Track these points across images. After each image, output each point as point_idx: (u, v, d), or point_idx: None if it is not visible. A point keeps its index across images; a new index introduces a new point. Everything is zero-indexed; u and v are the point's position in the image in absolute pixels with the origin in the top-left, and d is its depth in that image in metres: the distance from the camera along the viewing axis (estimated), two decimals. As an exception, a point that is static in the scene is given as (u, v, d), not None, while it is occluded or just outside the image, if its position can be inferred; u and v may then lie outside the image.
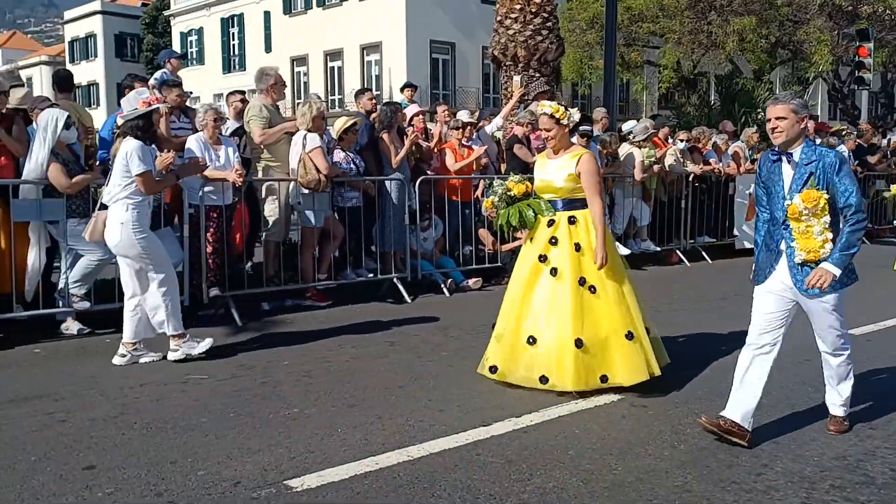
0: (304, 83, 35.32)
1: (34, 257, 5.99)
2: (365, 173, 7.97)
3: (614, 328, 4.63)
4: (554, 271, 4.70)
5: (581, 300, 4.62)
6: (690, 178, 10.39)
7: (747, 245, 11.04)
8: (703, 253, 10.70)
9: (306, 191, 7.21)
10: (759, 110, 13.81)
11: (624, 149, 9.92)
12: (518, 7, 9.84)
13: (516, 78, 9.97)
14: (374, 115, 8.54)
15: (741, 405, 3.86)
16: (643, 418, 4.28)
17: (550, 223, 4.82)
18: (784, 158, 3.73)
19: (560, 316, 4.61)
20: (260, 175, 7.43)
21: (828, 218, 3.66)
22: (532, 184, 5.07)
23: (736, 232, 10.98)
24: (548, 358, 4.62)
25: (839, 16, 24.64)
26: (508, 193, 5.15)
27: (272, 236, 7.45)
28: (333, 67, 34.02)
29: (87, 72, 50.09)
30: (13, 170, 6.10)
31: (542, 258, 4.75)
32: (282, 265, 7.43)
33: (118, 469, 3.56)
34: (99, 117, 46.13)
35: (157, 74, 7.92)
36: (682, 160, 10.40)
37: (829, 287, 3.69)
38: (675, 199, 10.37)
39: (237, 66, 40.86)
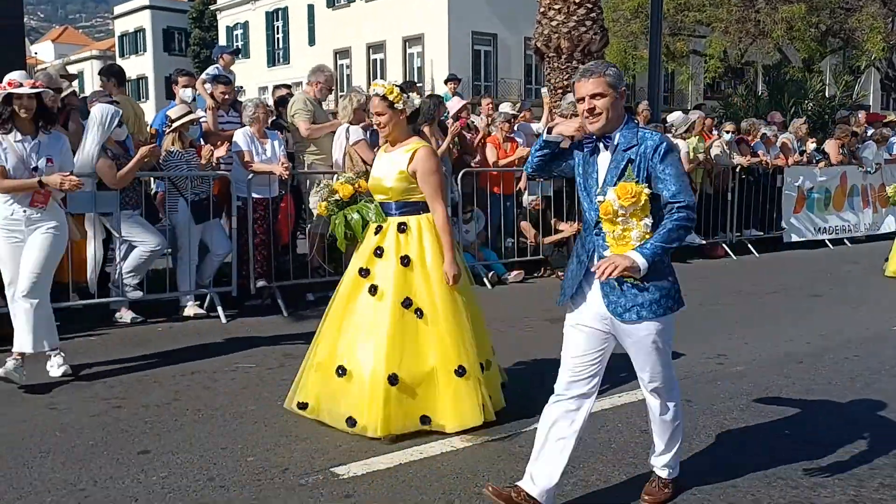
0: (347, 76, 35.57)
1: (93, 249, 6.19)
2: (408, 166, 8.02)
3: (442, 361, 3.83)
4: (373, 289, 3.90)
5: (403, 326, 3.83)
6: (737, 170, 10.22)
7: (795, 238, 10.88)
8: (750, 246, 10.53)
9: (351, 184, 7.29)
10: (809, 101, 13.53)
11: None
12: (561, -2, 9.79)
13: (544, 90, 9.87)
14: (417, 107, 8.58)
15: (542, 476, 3.01)
16: (687, 413, 4.23)
17: (378, 230, 4.02)
18: (602, 145, 2.91)
19: (376, 344, 3.83)
20: (305, 168, 7.53)
21: (650, 220, 2.84)
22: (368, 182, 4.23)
23: (784, 225, 10.79)
24: (359, 395, 3.83)
25: (893, 2, 23.92)
26: (335, 196, 4.31)
27: (316, 228, 7.55)
28: (376, 60, 34.19)
29: (136, 66, 51.14)
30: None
31: (364, 272, 3.96)
32: (326, 256, 7.54)
33: (171, 454, 3.68)
34: (148, 110, 47.19)
35: (210, 69, 8.09)
36: (728, 152, 10.23)
37: (649, 311, 2.90)
38: (721, 191, 10.21)
39: (281, 60, 41.34)
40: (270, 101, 8.43)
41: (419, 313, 3.86)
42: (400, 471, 3.48)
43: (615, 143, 2.88)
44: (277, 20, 41.53)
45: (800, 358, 5.35)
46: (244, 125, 7.03)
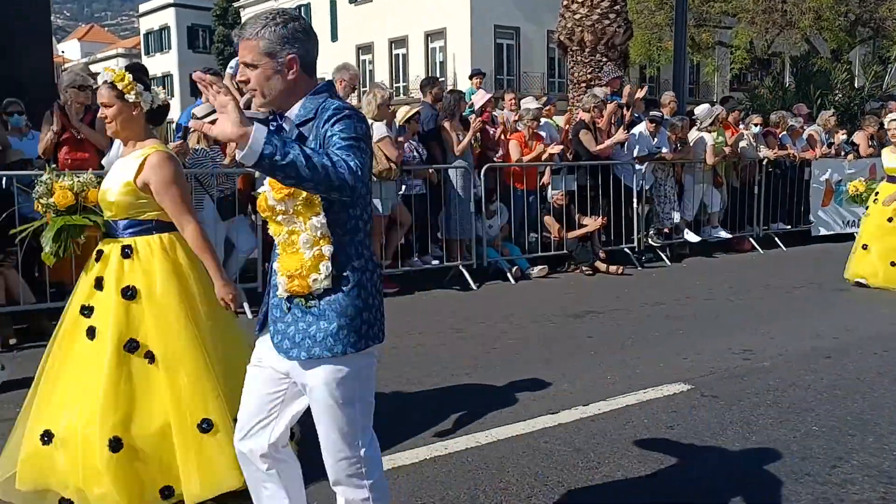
0: (370, 71, 35.65)
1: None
2: (429, 161, 8.04)
3: (180, 416, 3.00)
4: (91, 332, 3.05)
5: (127, 375, 3.01)
6: (764, 164, 10.10)
7: (823, 232, 10.73)
8: (777, 240, 10.41)
9: (374, 179, 7.32)
10: (837, 92, 13.31)
11: (693, 134, 9.72)
12: (585, -10, 9.73)
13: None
14: (440, 104, 8.58)
15: None
16: (714, 409, 4.22)
17: (99, 255, 3.18)
18: (278, 124, 2.22)
19: (90, 401, 2.98)
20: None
21: (322, 218, 2.11)
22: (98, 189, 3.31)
23: (811, 218, 10.64)
24: (71, 467, 2.96)
25: (925, -10, 23.46)
26: (49, 200, 3.37)
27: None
28: (398, 55, 34.25)
29: (161, 63, 51.65)
30: (97, 163, 6.37)
31: (85, 311, 3.10)
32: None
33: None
34: (174, 108, 47.50)
35: (232, 63, 8.07)
36: (755, 144, 10.12)
37: (322, 347, 2.11)
38: (747, 184, 10.10)
39: (304, 56, 41.41)
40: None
41: (149, 357, 3.02)
42: (425, 466, 3.50)
43: (293, 119, 2.19)
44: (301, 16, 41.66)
45: (827, 353, 5.28)
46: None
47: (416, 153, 7.96)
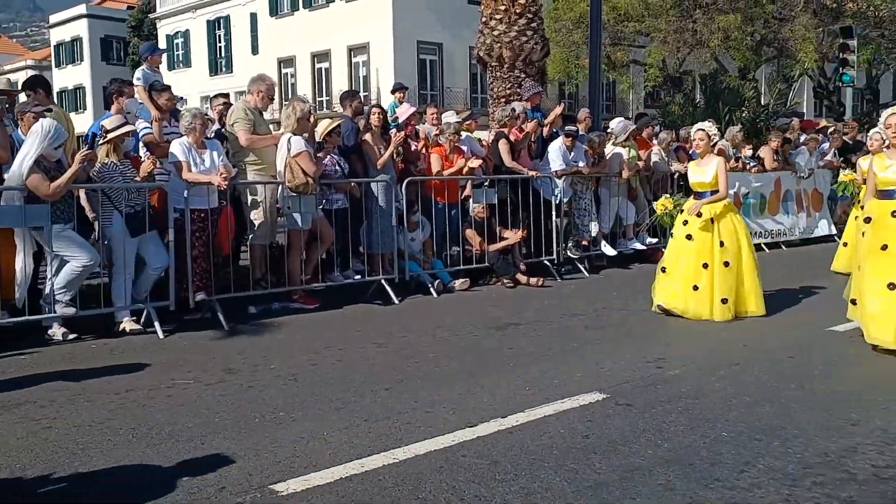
0: (292, 84, 35.28)
1: (22, 264, 5.97)
2: (350, 175, 7.98)
3: None
4: None
5: None
6: (675, 177, 10.44)
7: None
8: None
9: (293, 193, 7.21)
10: (744, 109, 13.92)
11: (609, 148, 9.97)
12: (503, 8, 9.89)
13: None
14: (359, 117, 8.54)
15: None
16: (628, 417, 4.30)
17: None
18: None
19: None
20: (247, 178, 7.41)
21: None
22: None
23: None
24: None
25: (824, 13, 24.80)
26: None
27: (258, 239, 7.44)
28: (321, 69, 34.02)
29: (73, 76, 49.86)
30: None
31: None
32: (268, 268, 7.43)
33: (105, 475, 3.55)
34: (86, 121, 45.94)
35: (138, 73, 7.83)
36: (667, 159, 10.45)
37: None
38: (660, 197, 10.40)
39: (224, 69, 40.77)
40: (211, 113, 8.26)
41: None
42: (340, 485, 3.43)
43: None
44: (219, 29, 40.97)
45: (736, 361, 5.46)
46: (182, 135, 6.90)
47: (337, 167, 7.90)
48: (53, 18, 53.55)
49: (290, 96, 35.16)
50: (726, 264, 6.75)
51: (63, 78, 50.68)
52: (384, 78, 31.05)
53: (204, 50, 41.58)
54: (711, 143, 7.11)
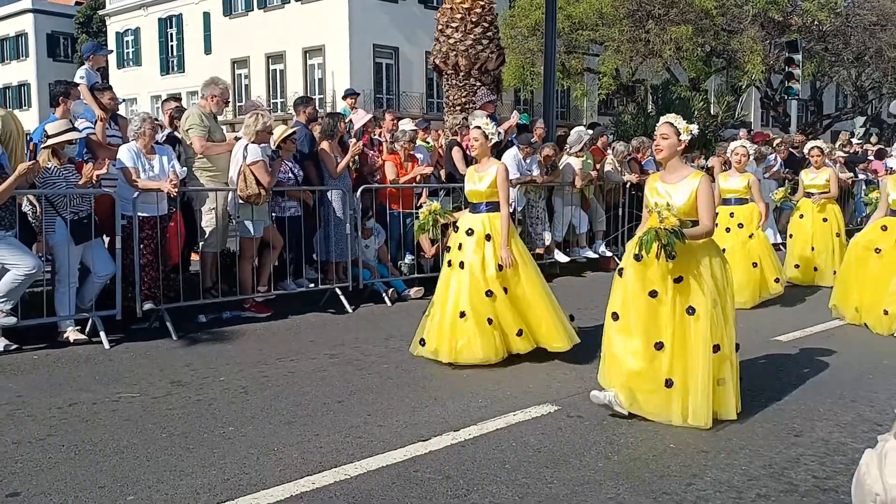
0: (245, 86, 34.84)
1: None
2: (305, 183, 7.91)
3: None
4: None
5: None
6: (628, 187, 10.59)
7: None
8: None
9: (242, 201, 7.10)
10: (694, 120, 14.18)
11: (563, 158, 10.07)
12: (459, 17, 9.91)
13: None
14: (313, 124, 8.47)
15: None
16: (579, 429, 4.34)
17: None
18: None
19: None
20: (199, 183, 7.28)
21: None
22: None
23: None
24: None
25: (771, 26, 25.47)
26: None
27: (209, 247, 7.32)
28: (275, 70, 33.66)
29: (17, 72, 48.41)
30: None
31: None
32: (219, 276, 7.30)
33: (44, 495, 3.45)
34: (31, 119, 44.66)
35: (80, 72, 7.61)
36: (619, 169, 10.60)
37: None
38: (612, 206, 10.56)
39: (175, 68, 40.04)
40: (162, 116, 8.09)
41: None
42: (289, 503, 3.39)
43: None
44: (171, 27, 40.23)
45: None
46: (128, 140, 6.75)
47: (291, 174, 7.81)
48: (-3, 13, 51.89)
49: (244, 98, 34.76)
50: (505, 290, 5.61)
51: (7, 74, 49.15)
52: (340, 81, 30.86)
53: (155, 48, 40.76)
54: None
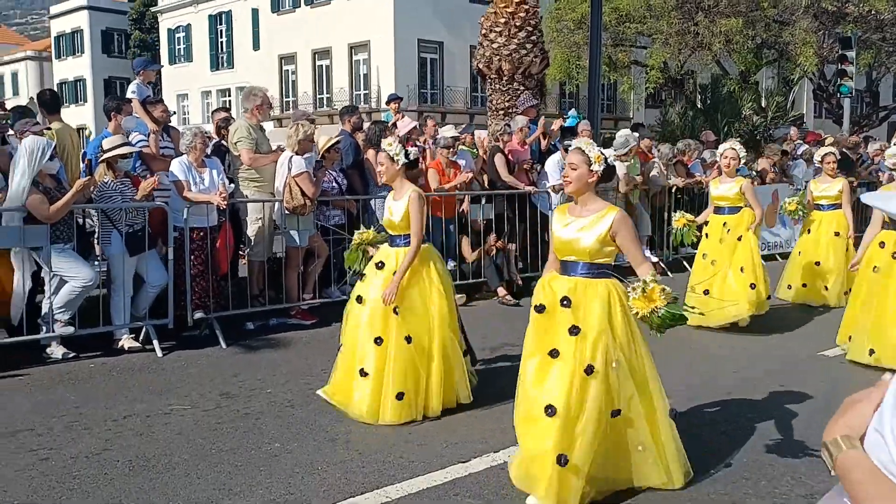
0: (293, 81, 35.27)
1: (18, 282, 6.02)
2: (349, 190, 8.03)
3: None
4: None
5: None
6: (673, 190, 10.48)
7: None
8: (686, 263, 10.79)
9: (288, 212, 7.25)
10: (744, 120, 13.95)
11: (608, 162, 10.00)
12: (503, 21, 9.91)
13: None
14: (358, 132, 8.58)
15: None
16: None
17: None
18: None
19: None
20: (246, 193, 7.45)
21: None
22: None
23: (719, 242, 11.08)
24: None
25: (825, 16, 24.77)
26: None
27: (255, 256, 7.50)
28: (322, 66, 33.99)
29: (73, 68, 49.79)
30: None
31: None
32: (266, 284, 7.48)
33: (100, 512, 3.61)
34: (86, 114, 45.80)
35: (132, 87, 7.86)
36: (665, 173, 10.49)
37: None
38: (657, 211, 10.47)
39: (225, 64, 40.74)
40: (210, 127, 8.30)
41: None
42: (333, 527, 3.49)
43: None
44: (221, 24, 40.91)
45: (728, 389, 5.51)
46: (181, 153, 6.95)
47: (335, 183, 7.94)
48: (54, 9, 53.38)
49: (291, 93, 35.21)
50: (408, 340, 4.77)
51: (64, 70, 50.62)
52: (385, 76, 31.06)
53: (205, 44, 41.53)
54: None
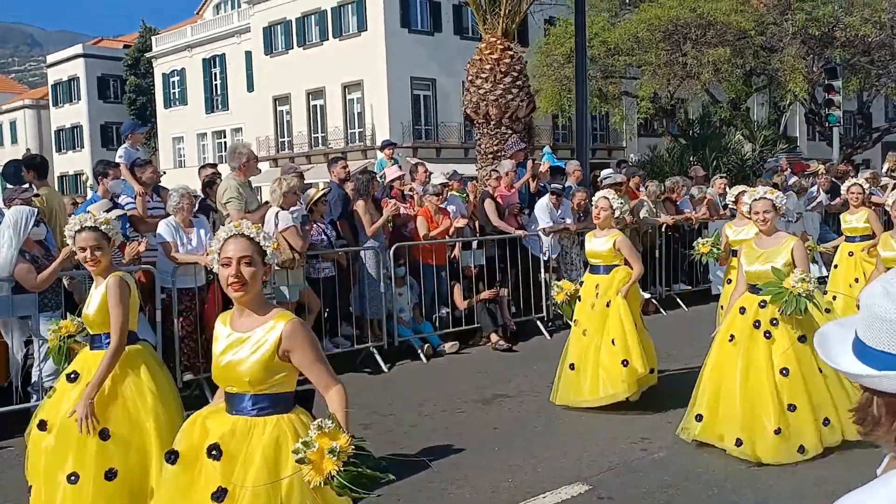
0: (287, 122, 35.57)
1: (13, 354, 6.03)
2: (339, 240, 8.06)
3: None
4: None
5: None
6: (663, 228, 10.52)
7: (721, 289, 11.18)
8: (679, 301, 10.80)
9: (277, 268, 7.27)
10: (732, 153, 14.04)
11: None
12: (488, 67, 10.04)
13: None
14: (347, 183, 8.64)
15: None
16: (608, 515, 4.32)
17: None
18: None
19: None
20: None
21: None
22: None
23: (711, 277, 11.10)
24: None
25: (812, 42, 25.03)
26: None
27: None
28: (316, 106, 34.30)
29: (70, 114, 50.25)
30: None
31: None
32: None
33: None
34: (83, 160, 46.08)
35: (120, 151, 7.93)
36: (654, 211, 10.53)
37: None
38: (648, 249, 10.49)
39: (220, 106, 41.13)
40: (198, 184, 8.36)
41: None
42: None
43: None
44: (215, 67, 41.38)
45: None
46: (168, 213, 6.98)
47: (324, 235, 7.97)
48: (51, 58, 54.05)
49: (286, 134, 35.48)
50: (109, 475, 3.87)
51: (61, 117, 51.09)
52: (378, 114, 31.34)
53: (200, 88, 41.96)
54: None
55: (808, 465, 4.84)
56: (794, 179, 12.75)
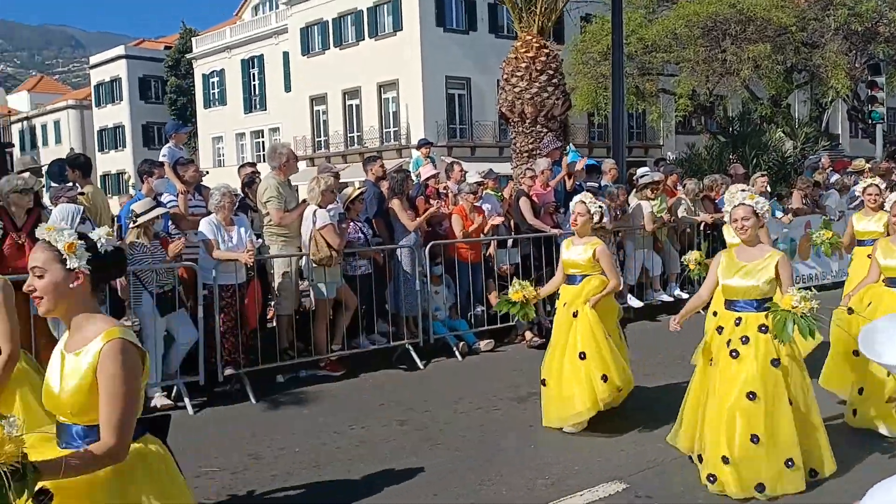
0: (324, 121, 35.88)
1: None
2: (375, 238, 8.13)
3: None
4: None
5: None
6: (702, 227, 10.40)
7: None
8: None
9: (315, 265, 7.36)
10: (772, 151, 13.83)
11: (633, 201, 9.98)
12: (524, 66, 10.04)
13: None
14: (383, 181, 8.71)
15: None
16: (645, 513, 4.30)
17: None
18: None
19: None
20: (271, 250, 7.59)
21: None
22: None
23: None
24: None
25: (855, 37, 24.51)
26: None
27: (283, 310, 7.60)
28: (351, 105, 34.55)
29: (113, 115, 51.30)
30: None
31: None
32: (295, 336, 7.57)
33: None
34: (125, 159, 46.99)
35: (164, 150, 8.11)
36: (693, 209, 10.42)
37: None
38: (686, 247, 10.37)
39: (258, 106, 41.65)
40: (237, 182, 8.50)
41: None
42: None
43: None
44: (253, 67, 41.92)
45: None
46: (210, 212, 7.11)
47: (360, 233, 8.04)
48: (94, 59, 55.22)
49: (322, 134, 35.80)
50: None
51: (103, 117, 52.19)
52: (413, 113, 31.46)
53: (239, 88, 42.55)
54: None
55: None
56: (835, 177, 12.51)
